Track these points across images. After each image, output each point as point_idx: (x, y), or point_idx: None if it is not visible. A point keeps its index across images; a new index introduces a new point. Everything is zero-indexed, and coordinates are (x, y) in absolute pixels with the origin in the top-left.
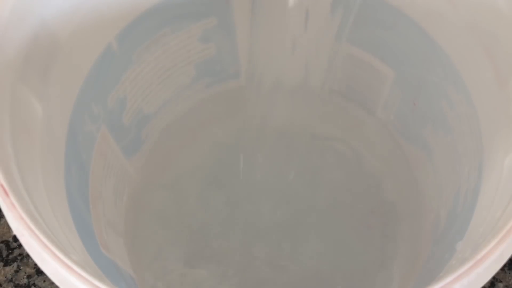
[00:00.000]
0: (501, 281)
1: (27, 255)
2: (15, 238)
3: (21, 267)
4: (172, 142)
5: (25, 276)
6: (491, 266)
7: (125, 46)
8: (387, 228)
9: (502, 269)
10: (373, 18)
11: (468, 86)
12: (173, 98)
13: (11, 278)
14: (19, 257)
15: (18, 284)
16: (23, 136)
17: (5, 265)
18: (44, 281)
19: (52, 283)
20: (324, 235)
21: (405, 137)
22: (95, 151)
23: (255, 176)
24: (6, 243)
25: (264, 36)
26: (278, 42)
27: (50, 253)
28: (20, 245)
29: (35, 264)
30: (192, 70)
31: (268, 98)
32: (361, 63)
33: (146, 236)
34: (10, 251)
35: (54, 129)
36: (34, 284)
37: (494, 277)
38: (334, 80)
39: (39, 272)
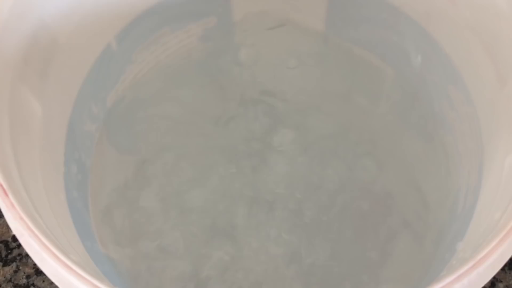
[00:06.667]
0: (501, 281)
1: (26, 255)
2: (14, 238)
3: (20, 267)
4: (171, 140)
5: (24, 276)
6: (491, 266)
7: (125, 45)
8: (387, 228)
9: (503, 269)
10: (374, 17)
11: (468, 86)
12: (172, 96)
13: (10, 278)
14: (18, 257)
15: (17, 284)
16: (22, 136)
17: (4, 265)
18: (43, 281)
19: (52, 283)
20: (323, 233)
21: (405, 136)
22: (94, 151)
23: (255, 166)
24: (5, 243)
25: None
26: None
27: (49, 253)
28: (19, 245)
29: (34, 264)
30: (192, 69)
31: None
32: (361, 62)
33: (145, 236)
34: (9, 251)
35: (54, 129)
36: (33, 284)
37: (494, 277)
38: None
39: (38, 272)
